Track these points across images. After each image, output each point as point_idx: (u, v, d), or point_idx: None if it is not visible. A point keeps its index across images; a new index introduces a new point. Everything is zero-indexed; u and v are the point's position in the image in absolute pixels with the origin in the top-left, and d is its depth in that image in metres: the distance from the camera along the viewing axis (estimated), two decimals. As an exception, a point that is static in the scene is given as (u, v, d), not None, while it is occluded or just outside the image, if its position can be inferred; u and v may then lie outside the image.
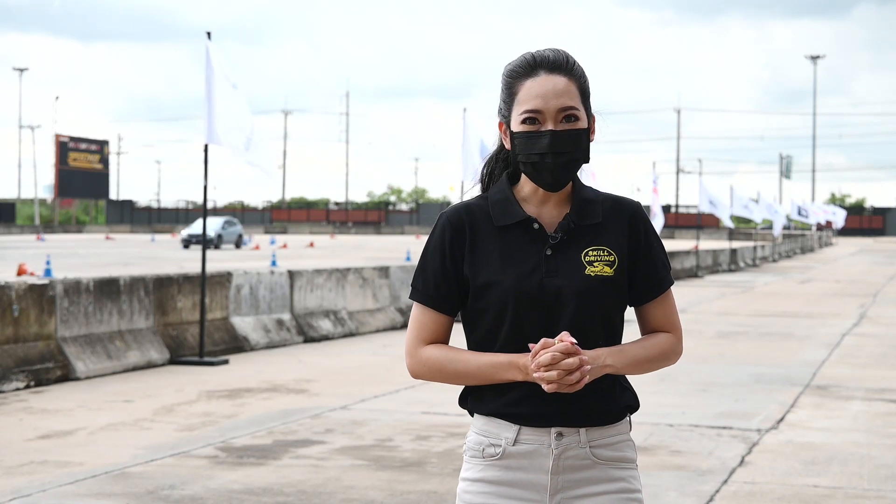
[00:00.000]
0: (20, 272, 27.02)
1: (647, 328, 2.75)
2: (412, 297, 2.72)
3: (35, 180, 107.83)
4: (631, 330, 2.74)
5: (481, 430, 2.67)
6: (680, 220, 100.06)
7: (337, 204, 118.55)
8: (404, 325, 16.79)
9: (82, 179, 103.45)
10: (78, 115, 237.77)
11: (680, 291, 24.78)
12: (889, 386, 11.15)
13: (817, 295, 25.81)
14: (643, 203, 3.11)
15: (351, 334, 15.63)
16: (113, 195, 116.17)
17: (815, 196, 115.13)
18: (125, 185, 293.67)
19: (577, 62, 2.68)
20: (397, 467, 7.23)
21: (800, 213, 61.07)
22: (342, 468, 7.20)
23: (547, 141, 2.60)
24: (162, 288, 12.48)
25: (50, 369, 10.65)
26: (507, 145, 2.71)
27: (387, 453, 7.66)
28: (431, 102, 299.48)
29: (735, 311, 20.66)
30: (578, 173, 2.73)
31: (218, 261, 34.93)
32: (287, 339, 14.37)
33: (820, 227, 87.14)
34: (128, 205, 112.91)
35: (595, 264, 2.63)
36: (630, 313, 2.77)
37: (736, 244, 48.50)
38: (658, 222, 29.69)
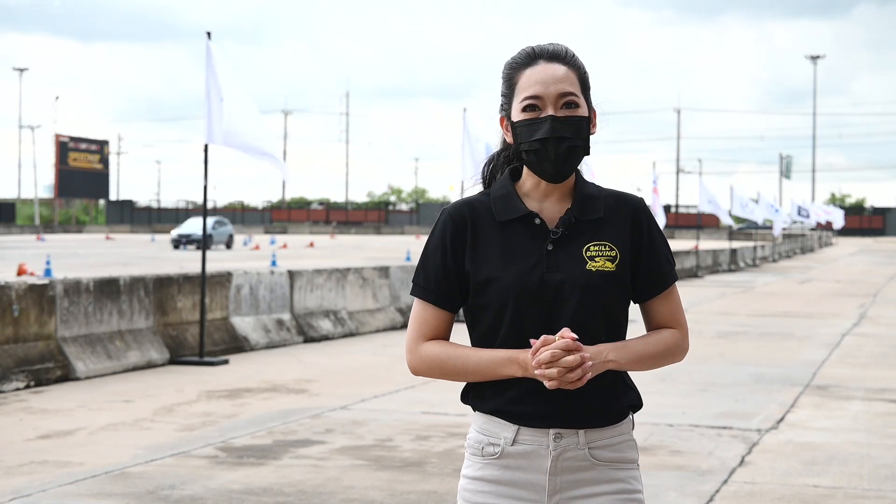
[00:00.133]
0: (20, 272, 27.02)
1: (651, 325, 2.74)
2: (413, 292, 2.71)
3: (35, 180, 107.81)
4: (635, 329, 2.74)
5: (481, 428, 2.67)
6: (680, 220, 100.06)
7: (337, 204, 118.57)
8: (404, 325, 16.79)
9: (82, 179, 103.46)
10: (78, 115, 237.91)
11: (680, 291, 24.67)
12: (889, 386, 11.15)
13: (817, 295, 25.81)
14: (644, 202, 3.06)
15: (351, 334, 15.63)
16: (113, 195, 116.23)
17: (815, 196, 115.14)
18: (125, 185, 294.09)
19: (576, 55, 2.69)
20: (397, 467, 7.23)
21: (799, 213, 61.06)
22: (342, 468, 7.20)
23: (547, 126, 2.60)
24: (162, 288, 12.48)
25: (50, 369, 10.65)
26: (509, 139, 2.71)
27: (387, 453, 7.66)
28: (431, 102, 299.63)
29: (735, 311, 20.66)
30: (580, 170, 2.73)
31: (217, 261, 34.93)
32: (287, 339, 14.37)
33: (820, 227, 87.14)
34: (128, 205, 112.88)
35: (596, 259, 2.62)
36: (635, 312, 2.76)
37: (736, 244, 48.51)
38: (659, 222, 29.71)
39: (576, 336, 2.52)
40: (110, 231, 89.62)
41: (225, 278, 13.68)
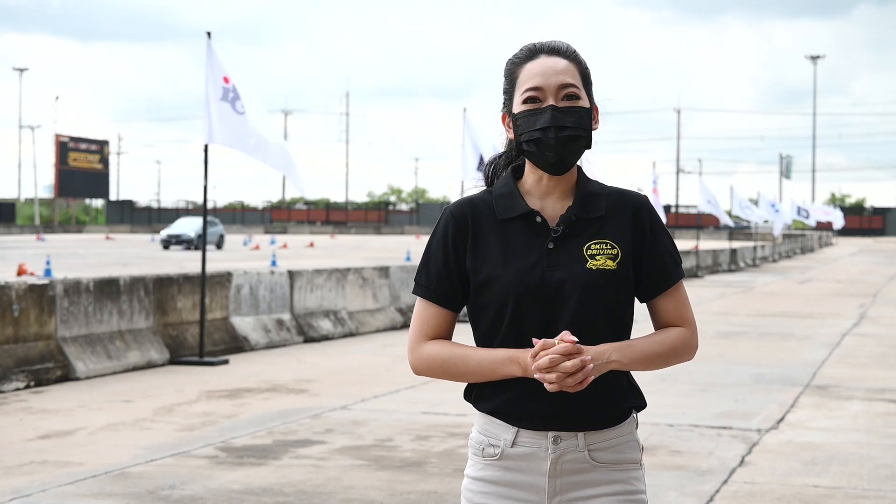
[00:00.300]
0: (20, 272, 27.02)
1: (658, 323, 2.71)
2: (415, 291, 2.70)
3: (35, 180, 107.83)
4: (644, 328, 2.73)
5: (482, 428, 2.67)
6: (680, 220, 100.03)
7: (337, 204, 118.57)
8: (404, 325, 16.79)
9: (82, 179, 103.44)
10: (78, 115, 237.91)
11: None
12: (889, 386, 11.15)
13: (817, 295, 25.81)
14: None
15: (351, 334, 15.63)
16: (113, 195, 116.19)
17: (815, 196, 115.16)
18: (125, 185, 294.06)
19: (578, 51, 2.69)
20: (397, 467, 7.23)
21: (799, 213, 61.08)
22: (342, 468, 7.20)
23: (548, 115, 2.59)
24: (162, 288, 12.48)
25: (50, 369, 10.65)
26: (511, 135, 2.70)
27: (387, 453, 7.66)
28: (431, 102, 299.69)
29: (735, 311, 20.66)
30: (583, 168, 2.72)
31: (217, 261, 34.92)
32: (287, 339, 14.37)
33: (820, 227, 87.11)
34: (128, 205, 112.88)
35: (597, 258, 2.60)
36: (642, 311, 2.75)
37: (736, 244, 48.51)
38: (659, 221, 29.62)
39: (576, 339, 2.50)
40: (110, 231, 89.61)
41: (225, 278, 13.68)
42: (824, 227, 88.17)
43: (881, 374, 12.01)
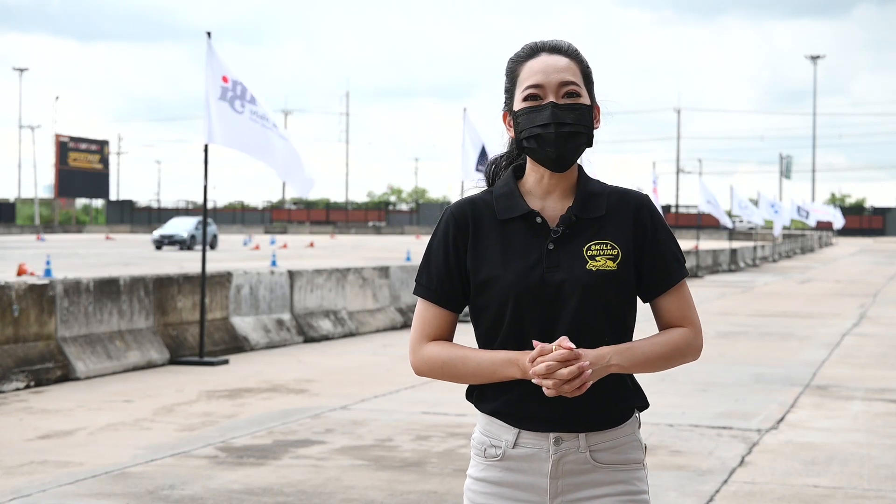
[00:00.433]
0: (20, 272, 27.02)
1: (662, 324, 2.70)
2: (416, 292, 2.70)
3: (35, 180, 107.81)
4: (640, 329, 2.73)
5: (484, 429, 2.67)
6: (680, 220, 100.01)
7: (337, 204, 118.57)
8: (404, 326, 16.80)
9: (82, 179, 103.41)
10: (78, 115, 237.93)
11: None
12: (889, 386, 11.15)
13: (817, 295, 25.81)
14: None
15: (351, 334, 15.63)
16: (113, 195, 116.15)
17: (815, 196, 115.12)
18: (125, 185, 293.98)
19: (579, 50, 2.68)
20: (397, 467, 7.23)
21: (799, 213, 61.08)
22: (342, 468, 7.20)
23: (548, 112, 2.59)
24: (162, 288, 12.48)
25: (50, 369, 10.65)
26: (511, 133, 2.69)
27: (387, 453, 7.66)
28: (431, 102, 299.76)
29: (735, 311, 20.66)
30: (583, 167, 2.72)
31: (217, 261, 34.92)
32: (287, 339, 14.37)
33: (820, 227, 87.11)
34: (128, 205, 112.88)
35: (597, 258, 2.59)
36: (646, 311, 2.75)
37: (736, 244, 48.50)
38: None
39: (573, 346, 2.48)
40: (110, 231, 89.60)
41: (225, 278, 13.68)
42: (824, 227, 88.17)
43: (881, 374, 12.01)
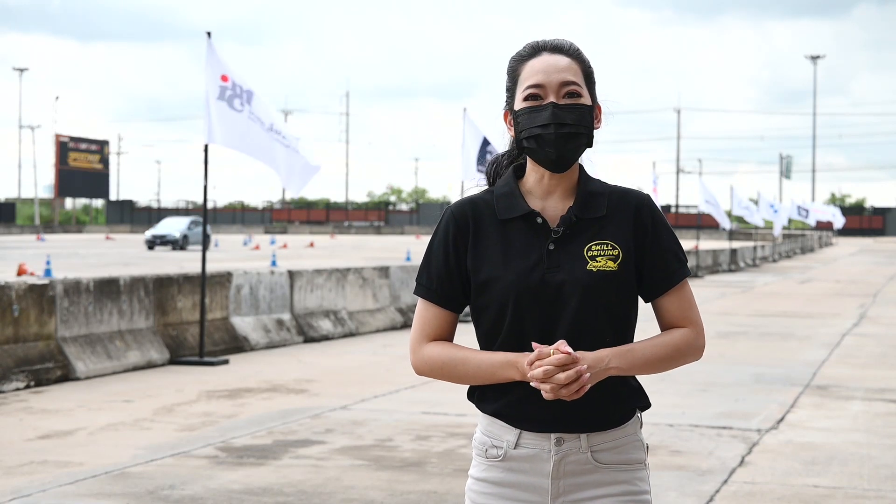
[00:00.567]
0: (20, 272, 27.02)
1: (663, 324, 2.69)
2: (416, 292, 2.70)
3: (35, 180, 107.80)
4: (641, 329, 2.73)
5: (485, 429, 2.66)
6: (680, 220, 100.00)
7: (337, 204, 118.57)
8: (404, 326, 16.80)
9: (82, 179, 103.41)
10: (78, 115, 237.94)
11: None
12: (889, 386, 11.15)
13: (817, 295, 25.81)
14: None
15: (351, 334, 15.62)
16: (113, 195, 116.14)
17: (815, 196, 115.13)
18: (125, 185, 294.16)
19: (581, 49, 2.67)
20: (397, 467, 7.23)
21: (799, 213, 61.08)
22: (342, 468, 7.20)
23: (549, 112, 2.58)
24: (162, 288, 12.48)
25: (50, 369, 10.65)
26: (512, 133, 2.68)
27: (387, 453, 7.66)
28: (431, 102, 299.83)
29: (735, 311, 20.65)
30: (584, 167, 2.71)
31: (216, 261, 34.92)
32: (287, 339, 14.36)
33: (820, 227, 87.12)
34: (128, 205, 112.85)
35: (598, 259, 2.58)
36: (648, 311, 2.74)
37: (736, 244, 48.50)
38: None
39: (570, 350, 2.47)
40: (110, 231, 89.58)
41: (225, 278, 13.68)
42: (824, 227, 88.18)
43: (881, 374, 12.01)
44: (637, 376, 2.69)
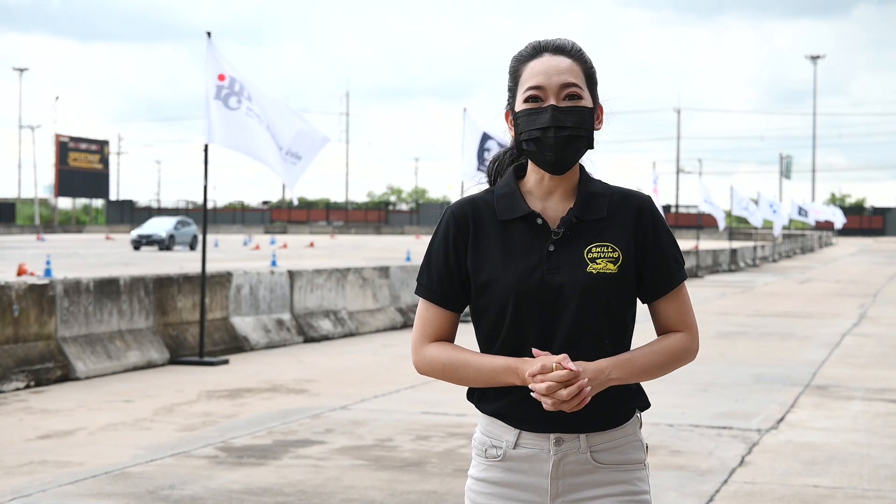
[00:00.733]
0: (20, 272, 27.02)
1: (660, 326, 2.70)
2: (417, 292, 2.70)
3: (35, 180, 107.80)
4: (640, 329, 2.73)
5: (485, 429, 2.66)
6: (680, 220, 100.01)
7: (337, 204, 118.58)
8: (404, 325, 16.80)
9: (82, 179, 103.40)
10: (78, 115, 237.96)
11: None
12: (889, 386, 11.15)
13: (817, 295, 25.81)
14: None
15: (351, 334, 15.62)
16: (113, 195, 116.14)
17: (815, 196, 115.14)
18: (125, 185, 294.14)
19: (583, 50, 2.66)
20: (397, 467, 7.23)
21: (800, 213, 61.08)
22: (342, 468, 7.20)
23: (548, 116, 2.57)
24: (162, 288, 12.48)
25: (50, 369, 10.65)
26: (512, 133, 2.67)
27: (387, 453, 7.66)
28: (431, 102, 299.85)
29: (735, 311, 20.66)
30: (585, 167, 2.71)
31: (217, 261, 34.91)
32: (287, 339, 14.36)
33: (820, 227, 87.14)
34: (128, 205, 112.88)
35: (598, 261, 2.58)
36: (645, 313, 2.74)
37: (736, 244, 48.51)
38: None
39: (573, 367, 2.47)
40: (110, 231, 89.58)
41: (225, 278, 13.68)
42: (824, 226, 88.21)
43: (881, 374, 12.01)
44: None
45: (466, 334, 2.89)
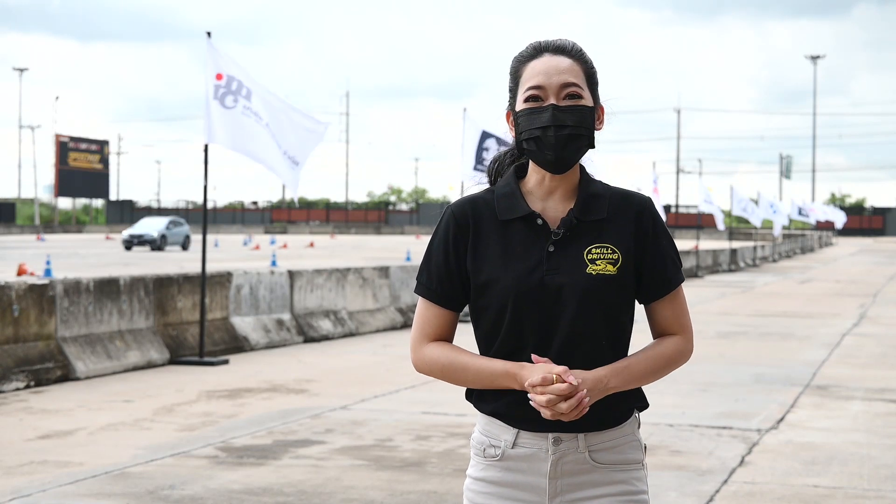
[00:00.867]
0: (20, 272, 27.02)
1: (656, 328, 2.71)
2: (417, 291, 2.70)
3: (35, 180, 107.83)
4: (639, 329, 2.73)
5: (483, 429, 2.67)
6: (680, 220, 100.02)
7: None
8: (404, 326, 16.80)
9: (82, 179, 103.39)
10: (78, 115, 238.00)
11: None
12: (889, 386, 11.15)
13: (817, 295, 25.81)
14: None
15: (351, 334, 15.62)
16: (113, 195, 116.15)
17: (815, 196, 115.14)
18: (125, 185, 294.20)
19: (584, 50, 2.66)
20: (397, 467, 7.23)
21: (800, 213, 61.07)
22: (342, 468, 7.20)
23: (548, 115, 2.57)
24: (162, 288, 12.48)
25: (50, 369, 10.65)
26: (513, 133, 2.68)
27: (387, 453, 7.66)
28: (431, 102, 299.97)
29: (735, 311, 20.65)
30: (585, 168, 2.71)
31: (217, 261, 34.91)
32: (287, 339, 14.36)
33: (820, 226, 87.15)
34: (128, 205, 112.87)
35: (598, 262, 2.58)
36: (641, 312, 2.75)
37: (736, 244, 48.50)
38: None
39: (573, 380, 2.48)
40: (110, 231, 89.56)
41: (225, 278, 13.68)
42: (825, 226, 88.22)
43: (881, 374, 12.01)
44: None
45: (466, 334, 2.89)
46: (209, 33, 12.47)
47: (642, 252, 2.64)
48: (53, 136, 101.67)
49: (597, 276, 2.58)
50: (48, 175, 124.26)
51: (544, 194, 2.65)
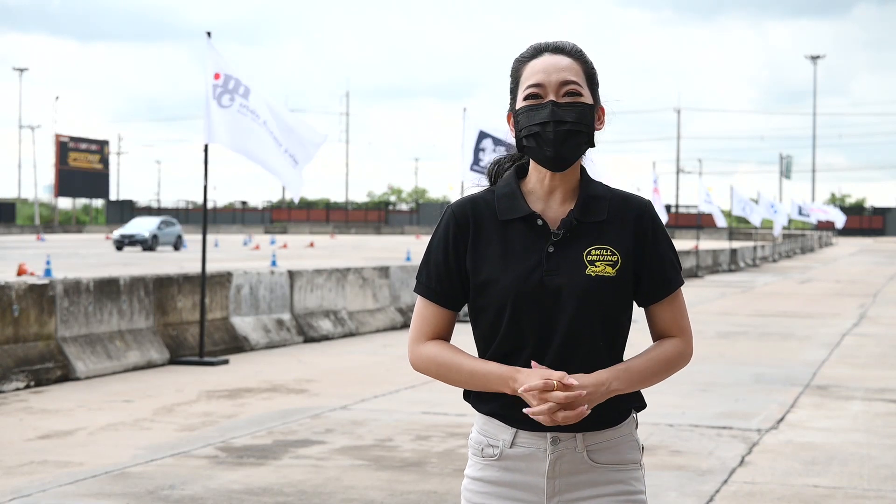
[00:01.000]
0: (20, 272, 27.02)
1: (655, 330, 2.72)
2: (416, 289, 2.70)
3: (35, 180, 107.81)
4: (635, 330, 2.73)
5: (481, 429, 2.67)
6: (680, 220, 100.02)
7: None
8: (404, 325, 16.79)
9: (82, 179, 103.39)
10: (78, 115, 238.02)
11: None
12: (889, 386, 11.15)
13: (817, 295, 25.80)
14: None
15: (351, 334, 15.62)
16: (113, 195, 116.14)
17: (815, 196, 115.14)
18: (125, 185, 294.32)
19: (584, 51, 2.68)
20: (397, 467, 7.23)
21: (800, 213, 61.08)
22: (342, 468, 7.20)
23: (548, 111, 2.58)
24: (162, 288, 12.48)
25: (50, 369, 10.65)
26: (514, 133, 2.68)
27: (387, 453, 7.66)
28: (431, 102, 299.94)
29: (735, 311, 20.65)
30: (585, 168, 2.71)
31: (217, 261, 34.91)
32: (287, 339, 14.37)
33: (820, 226, 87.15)
34: (128, 205, 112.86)
35: (597, 264, 2.59)
36: (639, 313, 2.75)
37: (736, 244, 48.51)
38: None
39: (573, 382, 2.48)
40: (110, 231, 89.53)
41: (225, 278, 13.68)
42: (825, 226, 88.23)
43: (881, 374, 12.01)
44: None
45: (465, 334, 2.89)
46: (209, 33, 12.47)
47: (642, 254, 2.65)
48: (53, 136, 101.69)
49: (596, 278, 2.58)
50: (48, 175, 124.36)
51: (545, 195, 2.66)
